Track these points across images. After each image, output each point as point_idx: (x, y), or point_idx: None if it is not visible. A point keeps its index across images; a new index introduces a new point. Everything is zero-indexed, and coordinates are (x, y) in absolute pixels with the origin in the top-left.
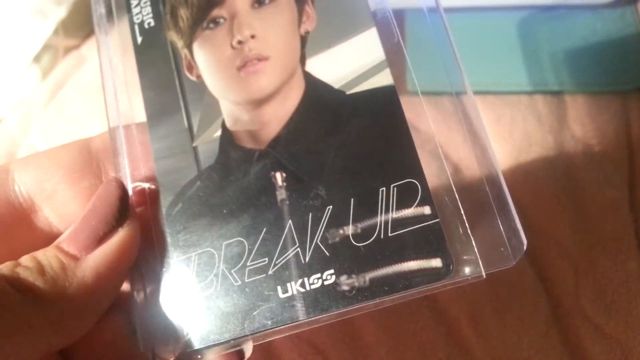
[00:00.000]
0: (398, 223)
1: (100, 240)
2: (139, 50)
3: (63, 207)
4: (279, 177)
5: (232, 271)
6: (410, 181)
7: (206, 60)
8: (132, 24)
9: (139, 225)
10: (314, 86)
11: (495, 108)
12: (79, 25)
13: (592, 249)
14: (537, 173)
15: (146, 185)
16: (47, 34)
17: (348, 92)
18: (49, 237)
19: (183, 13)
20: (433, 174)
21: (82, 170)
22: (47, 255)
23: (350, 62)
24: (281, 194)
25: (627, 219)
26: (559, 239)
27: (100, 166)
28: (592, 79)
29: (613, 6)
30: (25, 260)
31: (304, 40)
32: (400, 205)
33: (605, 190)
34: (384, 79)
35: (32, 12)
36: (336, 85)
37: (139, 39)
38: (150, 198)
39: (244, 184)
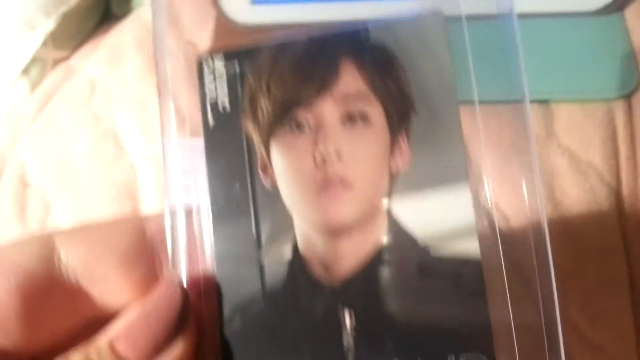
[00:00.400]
0: None
1: (159, 349)
2: (210, 134)
3: (111, 294)
4: (348, 321)
5: None
6: (480, 356)
7: (284, 168)
8: (203, 101)
9: (196, 337)
10: (397, 232)
11: (482, 117)
12: (68, 37)
13: (579, 259)
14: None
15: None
16: (35, 46)
17: (432, 254)
18: (90, 318)
19: (264, 104)
20: None
21: (136, 258)
22: (101, 357)
23: (437, 216)
24: (348, 340)
25: (614, 229)
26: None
27: (155, 255)
28: (579, 87)
29: (599, 14)
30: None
31: (393, 176)
32: None
33: (591, 200)
34: (471, 246)
35: (20, 25)
36: (420, 236)
37: (211, 120)
38: (206, 302)
39: (309, 317)
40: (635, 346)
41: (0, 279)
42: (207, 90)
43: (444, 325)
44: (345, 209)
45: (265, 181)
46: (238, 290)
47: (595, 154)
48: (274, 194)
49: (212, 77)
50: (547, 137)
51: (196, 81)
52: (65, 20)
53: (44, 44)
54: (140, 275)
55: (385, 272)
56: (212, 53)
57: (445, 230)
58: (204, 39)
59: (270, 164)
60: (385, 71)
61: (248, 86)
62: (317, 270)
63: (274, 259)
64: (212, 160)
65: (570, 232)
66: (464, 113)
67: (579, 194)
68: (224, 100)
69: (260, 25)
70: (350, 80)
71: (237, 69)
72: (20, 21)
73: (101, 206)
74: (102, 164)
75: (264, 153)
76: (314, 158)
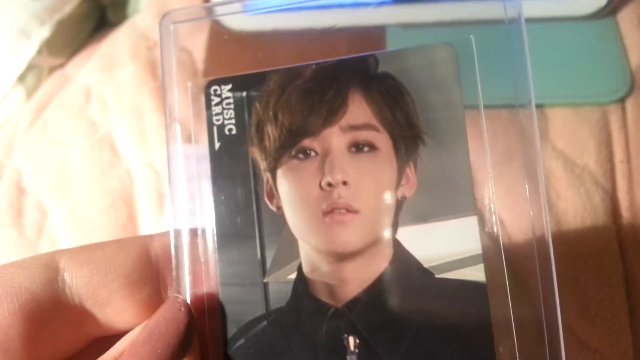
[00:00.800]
0: None
1: None
2: (216, 156)
3: (116, 315)
4: (351, 341)
5: None
6: None
7: (289, 194)
8: (210, 123)
9: (200, 357)
10: (402, 257)
11: (477, 122)
12: (64, 45)
13: (575, 262)
14: (518, 187)
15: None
16: (30, 54)
17: (437, 275)
18: (94, 337)
19: (271, 131)
20: None
21: (141, 279)
22: None
23: (444, 245)
24: (351, 358)
25: (610, 232)
26: (540, 252)
27: (159, 275)
28: (572, 91)
29: (592, 18)
30: None
31: (399, 204)
32: None
33: (586, 203)
34: (477, 274)
35: (15, 33)
36: (425, 264)
37: (217, 144)
38: (210, 323)
39: (314, 338)
40: (632, 349)
41: (3, 300)
42: (213, 113)
43: (448, 352)
44: (351, 234)
45: (270, 206)
46: (242, 311)
47: (589, 158)
48: (280, 220)
49: (219, 100)
50: (541, 141)
51: (196, 100)
52: (60, 27)
53: (39, 51)
54: (145, 296)
55: (389, 295)
56: (218, 79)
57: (450, 257)
58: (198, 46)
59: (276, 189)
60: (393, 101)
61: (255, 112)
62: (322, 293)
63: (279, 282)
64: (218, 183)
65: (565, 235)
66: (471, 119)
67: (573, 198)
68: (230, 124)
69: (254, 32)
70: (358, 110)
71: (245, 95)
72: (15, 29)
73: (97, 213)
74: (98, 171)
75: (270, 179)
76: (320, 185)
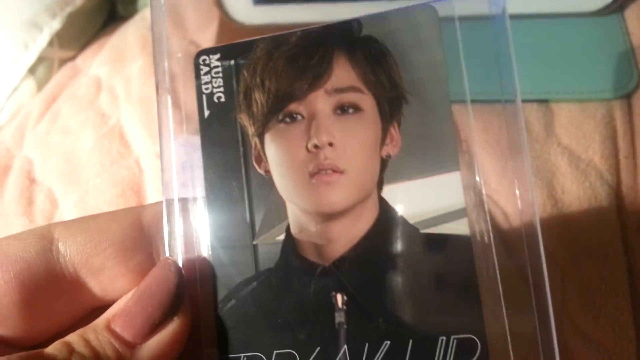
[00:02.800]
0: None
1: (155, 328)
2: (205, 124)
3: (110, 283)
4: (339, 299)
5: None
6: (471, 337)
7: (277, 157)
8: (199, 92)
9: (191, 316)
10: (387, 215)
11: (482, 116)
12: (74, 37)
13: (579, 256)
14: (523, 181)
15: (198, 272)
16: (41, 45)
17: (422, 231)
18: (90, 307)
19: (258, 97)
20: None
21: (134, 246)
22: (100, 340)
23: (428, 200)
24: (340, 317)
25: (614, 226)
26: (545, 247)
27: (152, 242)
28: (578, 87)
29: (599, 14)
30: (77, 344)
31: (384, 163)
32: (457, 358)
33: (591, 198)
34: (461, 227)
35: (26, 25)
36: (410, 220)
37: (206, 112)
38: (202, 286)
39: (302, 297)
40: (635, 343)
41: (15, 286)
42: (202, 82)
43: (435, 307)
44: (337, 194)
45: (259, 170)
46: (233, 273)
47: (594, 153)
48: (268, 183)
49: (208, 70)
50: (547, 136)
51: (186, 70)
52: (71, 20)
53: (50, 43)
54: (138, 262)
55: (376, 252)
56: (207, 49)
57: (435, 212)
58: (207, 40)
59: (264, 154)
60: (376, 63)
61: (243, 80)
62: (310, 253)
63: (267, 244)
64: (208, 150)
65: (570, 229)
66: (458, 112)
67: (578, 192)
68: (219, 92)
69: (264, 26)
70: (343, 73)
71: (232, 63)
72: (27, 21)
73: (107, 202)
74: (107, 161)
75: (258, 144)
76: (307, 147)
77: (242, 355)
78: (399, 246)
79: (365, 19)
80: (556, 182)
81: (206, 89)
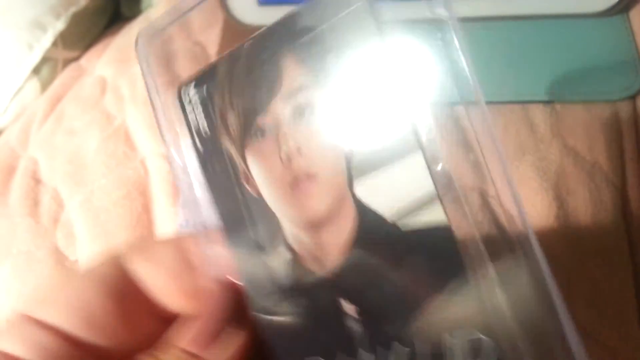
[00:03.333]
0: None
1: (220, 343)
2: (202, 160)
3: (172, 302)
4: (347, 307)
5: None
6: (472, 330)
7: (259, 174)
8: (190, 130)
9: (252, 330)
10: (366, 215)
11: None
12: (78, 37)
13: (585, 258)
14: (529, 182)
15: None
16: (46, 46)
17: (403, 229)
18: (162, 320)
19: (232, 119)
20: None
21: (187, 270)
22: (170, 355)
23: (399, 190)
24: (351, 326)
25: (620, 228)
26: (551, 248)
27: (198, 266)
28: (584, 88)
29: (604, 15)
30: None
31: (348, 158)
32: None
33: (597, 199)
34: (437, 215)
35: (30, 25)
36: (386, 213)
37: (201, 149)
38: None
39: (315, 308)
40: None
41: (91, 289)
42: (190, 119)
43: (432, 304)
44: (316, 201)
45: (251, 190)
46: (259, 291)
47: (600, 155)
48: (261, 200)
49: (190, 105)
50: (552, 137)
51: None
52: (75, 20)
53: (54, 44)
54: (191, 284)
55: (366, 256)
56: (185, 82)
57: (408, 203)
58: (212, 40)
59: (250, 173)
60: (320, 54)
61: (217, 105)
62: (310, 264)
63: (277, 260)
64: (210, 183)
65: (575, 231)
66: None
67: (584, 194)
68: (204, 125)
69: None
70: (293, 74)
71: (205, 92)
72: (31, 21)
73: (113, 203)
74: (113, 162)
75: (242, 164)
76: (281, 159)
77: None
78: (384, 248)
79: (303, 9)
80: (562, 184)
81: (194, 124)
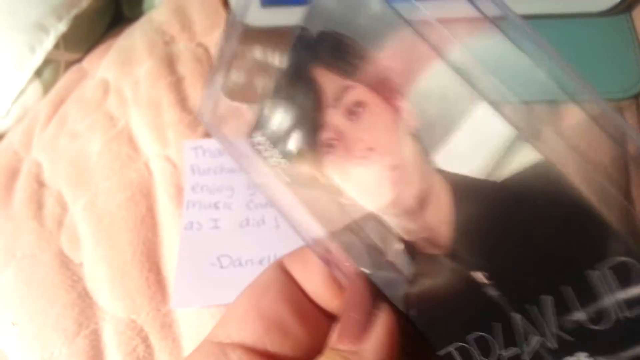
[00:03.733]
0: (631, 302)
1: (368, 329)
2: (295, 190)
3: (328, 305)
4: (481, 276)
5: None
6: (622, 260)
7: (345, 183)
8: (274, 169)
9: (392, 310)
10: (457, 183)
11: None
12: (80, 39)
13: None
14: None
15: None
16: (48, 48)
17: (500, 181)
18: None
19: (299, 143)
20: None
21: (331, 277)
22: (328, 357)
23: (478, 147)
24: (491, 291)
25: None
26: None
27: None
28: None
29: (607, 15)
30: None
31: (416, 138)
32: (623, 284)
33: (600, 199)
34: (529, 154)
35: (32, 27)
36: (476, 173)
37: (288, 180)
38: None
39: (447, 284)
40: None
41: (275, 300)
42: (269, 161)
43: (565, 242)
44: (405, 187)
45: (346, 201)
46: (393, 289)
47: (604, 155)
48: (359, 206)
49: (264, 146)
50: (556, 137)
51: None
52: (77, 22)
53: (56, 46)
54: (337, 288)
55: (475, 221)
56: (249, 132)
57: (493, 154)
58: (214, 42)
59: (339, 187)
60: (342, 52)
61: (283, 136)
62: (429, 249)
63: (396, 256)
64: (311, 208)
65: None
66: None
67: (588, 194)
68: (281, 161)
69: (271, 28)
70: (328, 81)
71: (268, 132)
72: (33, 23)
73: (117, 205)
74: (116, 165)
75: (327, 180)
76: (359, 162)
77: (450, 346)
78: (491, 209)
79: (307, 20)
80: None
81: (275, 163)
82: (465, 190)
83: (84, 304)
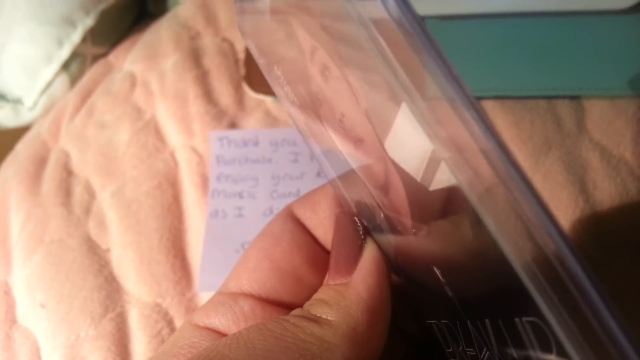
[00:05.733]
0: None
1: (355, 260)
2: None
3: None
4: (437, 272)
5: None
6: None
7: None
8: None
9: (376, 244)
10: (404, 176)
11: (514, 112)
12: (106, 34)
13: (611, 252)
14: (555, 177)
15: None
16: (75, 42)
17: (430, 189)
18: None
19: (302, 92)
20: None
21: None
22: (321, 292)
23: (410, 147)
24: (448, 291)
25: None
26: (577, 243)
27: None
28: (610, 83)
29: (630, 12)
30: (306, 304)
31: (368, 117)
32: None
33: (622, 193)
34: (445, 174)
35: (61, 21)
36: (411, 171)
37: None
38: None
39: (420, 268)
40: None
41: (290, 248)
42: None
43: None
44: (373, 162)
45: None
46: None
47: (625, 149)
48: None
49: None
50: (578, 132)
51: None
52: (104, 17)
53: (84, 40)
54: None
55: (422, 218)
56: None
57: (420, 161)
58: (239, 37)
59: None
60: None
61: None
62: (400, 227)
63: (381, 223)
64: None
65: (601, 225)
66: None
67: (610, 188)
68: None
69: None
70: (303, 36)
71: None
72: (61, 17)
73: (144, 194)
74: (144, 154)
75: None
76: (340, 126)
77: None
78: (422, 212)
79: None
80: (588, 178)
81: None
82: (409, 186)
83: (111, 288)
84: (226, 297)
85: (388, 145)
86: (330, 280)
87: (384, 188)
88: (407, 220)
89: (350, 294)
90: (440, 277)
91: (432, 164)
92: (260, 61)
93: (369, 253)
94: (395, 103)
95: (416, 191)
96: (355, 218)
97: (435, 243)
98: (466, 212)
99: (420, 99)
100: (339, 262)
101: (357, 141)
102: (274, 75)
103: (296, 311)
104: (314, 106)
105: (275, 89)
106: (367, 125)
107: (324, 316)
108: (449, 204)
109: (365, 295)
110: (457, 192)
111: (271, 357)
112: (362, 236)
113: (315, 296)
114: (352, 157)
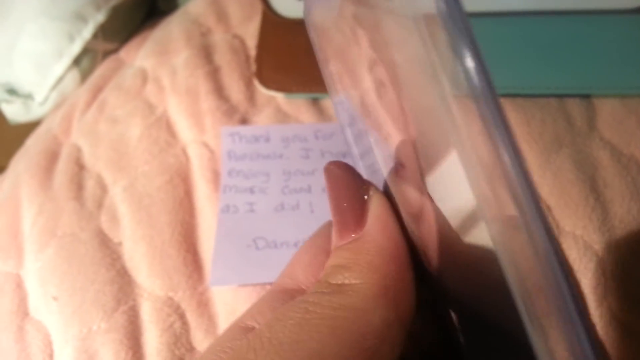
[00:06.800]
0: None
1: (362, 213)
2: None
3: None
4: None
5: None
6: None
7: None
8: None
9: (380, 190)
10: (438, 215)
11: (525, 110)
12: (117, 30)
13: (620, 250)
14: (566, 175)
15: None
16: (86, 37)
17: (464, 240)
18: None
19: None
20: None
21: None
22: (334, 257)
23: (451, 195)
24: (458, 333)
25: None
26: (586, 240)
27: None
28: (620, 82)
29: (638, 12)
30: (322, 275)
31: (416, 148)
32: None
33: (633, 192)
34: (482, 236)
35: (72, 16)
36: (447, 215)
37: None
38: None
39: (430, 306)
40: None
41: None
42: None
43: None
44: (410, 190)
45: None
46: None
47: (636, 148)
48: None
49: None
50: (589, 131)
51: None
52: (115, 13)
53: (95, 35)
54: None
55: (449, 260)
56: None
57: (457, 212)
58: (250, 33)
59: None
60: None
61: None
62: (422, 257)
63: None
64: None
65: (611, 223)
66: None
67: (620, 186)
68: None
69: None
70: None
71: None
72: (73, 12)
73: (156, 188)
74: (155, 149)
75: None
76: (384, 139)
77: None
78: (451, 256)
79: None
80: (598, 176)
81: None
82: (442, 226)
83: (123, 281)
84: (283, 293)
85: (429, 181)
86: (339, 241)
87: (416, 217)
88: (433, 256)
89: (368, 247)
90: (456, 323)
91: (471, 219)
92: (319, 54)
93: (378, 200)
94: (447, 146)
95: (447, 235)
96: (350, 170)
97: (455, 290)
98: (495, 276)
99: (475, 156)
100: (345, 217)
101: (398, 163)
102: (328, 71)
103: (314, 286)
104: (363, 113)
105: (327, 83)
106: (412, 154)
107: (346, 281)
108: (478, 259)
109: (387, 244)
110: (490, 255)
111: (301, 350)
112: (364, 184)
113: (329, 263)
114: (390, 178)
